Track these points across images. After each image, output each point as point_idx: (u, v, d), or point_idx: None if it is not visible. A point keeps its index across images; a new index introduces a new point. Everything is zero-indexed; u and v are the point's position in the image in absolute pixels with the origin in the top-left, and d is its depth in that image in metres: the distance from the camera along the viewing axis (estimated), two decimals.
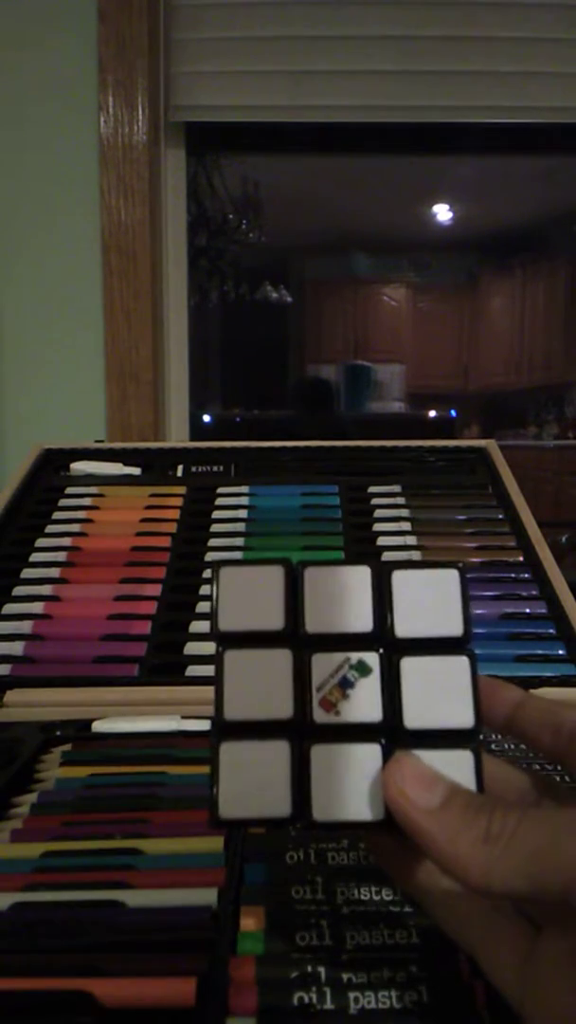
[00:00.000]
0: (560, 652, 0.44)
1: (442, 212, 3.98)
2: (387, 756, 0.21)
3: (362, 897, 0.26)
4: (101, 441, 0.68)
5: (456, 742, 0.21)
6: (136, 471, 0.63)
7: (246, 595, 0.22)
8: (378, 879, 0.27)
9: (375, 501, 0.57)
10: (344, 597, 0.22)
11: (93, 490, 0.59)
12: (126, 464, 0.63)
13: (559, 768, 0.33)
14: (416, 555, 0.51)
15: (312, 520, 0.55)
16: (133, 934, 0.24)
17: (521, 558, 0.51)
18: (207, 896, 0.26)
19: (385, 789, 0.20)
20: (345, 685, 0.21)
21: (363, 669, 0.21)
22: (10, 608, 0.48)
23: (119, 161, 1.05)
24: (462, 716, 0.21)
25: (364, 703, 0.21)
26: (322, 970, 0.23)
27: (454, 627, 0.21)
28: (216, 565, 0.22)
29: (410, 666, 0.21)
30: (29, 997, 0.22)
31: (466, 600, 0.22)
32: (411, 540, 0.52)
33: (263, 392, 3.75)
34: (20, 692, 0.42)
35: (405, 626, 0.21)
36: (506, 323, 4.38)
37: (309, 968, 0.23)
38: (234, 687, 0.21)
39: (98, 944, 0.24)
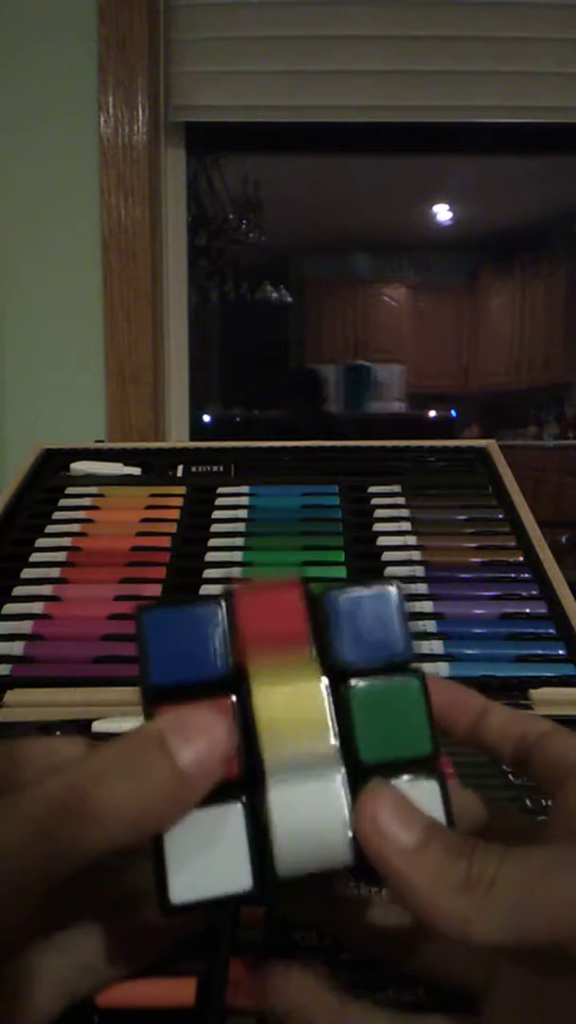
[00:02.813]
0: (560, 652, 0.44)
1: (442, 212, 3.98)
2: (350, 787, 0.19)
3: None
4: (101, 441, 0.68)
5: (417, 771, 0.19)
6: (136, 471, 0.63)
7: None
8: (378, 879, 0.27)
9: (375, 501, 0.57)
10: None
11: (93, 490, 0.59)
12: (126, 464, 0.63)
13: (522, 780, 0.33)
14: (416, 555, 0.51)
15: (312, 520, 0.55)
16: None
17: (521, 558, 0.51)
18: None
19: (360, 823, 0.18)
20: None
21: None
22: (10, 608, 0.48)
23: (119, 161, 1.05)
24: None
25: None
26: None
27: (398, 648, 0.20)
28: (138, 609, 0.20)
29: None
30: None
31: (405, 618, 0.20)
32: (411, 540, 0.52)
33: (263, 392, 3.75)
34: (20, 692, 0.42)
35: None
36: (506, 323, 4.38)
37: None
38: None
39: None
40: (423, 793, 0.19)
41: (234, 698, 0.19)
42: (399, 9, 1.07)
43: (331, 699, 0.19)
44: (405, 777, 0.19)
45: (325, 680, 0.20)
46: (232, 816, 0.19)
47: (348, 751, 0.19)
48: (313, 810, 0.19)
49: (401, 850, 0.18)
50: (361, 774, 0.19)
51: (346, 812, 0.19)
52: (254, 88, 1.08)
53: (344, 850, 0.18)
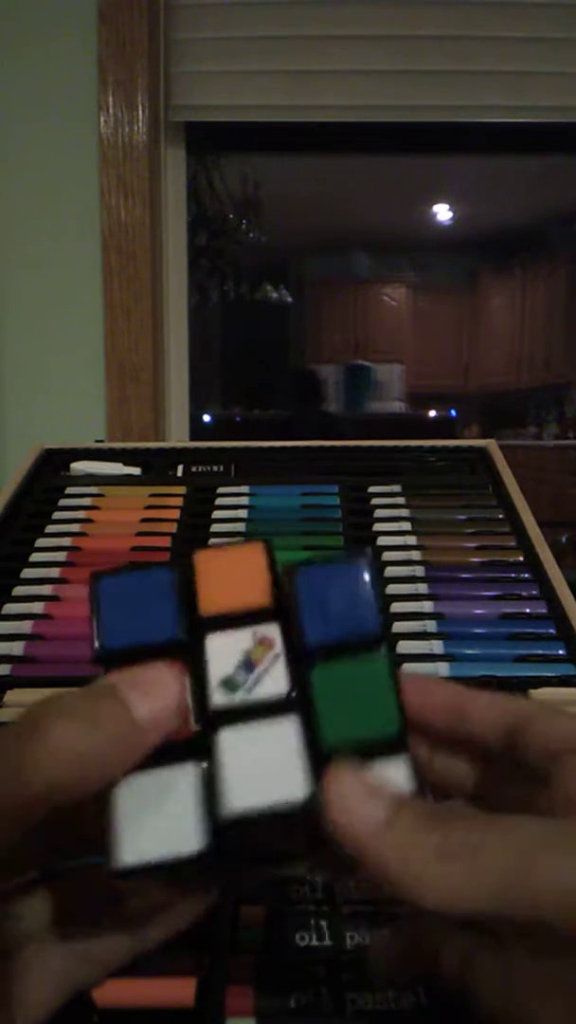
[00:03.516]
0: (560, 652, 0.44)
1: (442, 212, 3.98)
2: (316, 771, 0.18)
3: (362, 897, 0.26)
4: (101, 441, 0.68)
5: (386, 750, 0.19)
6: (136, 471, 0.63)
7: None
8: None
9: (375, 501, 0.57)
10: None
11: (93, 490, 0.59)
12: (126, 464, 0.63)
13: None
14: (416, 555, 0.51)
15: (312, 520, 0.55)
16: None
17: (521, 558, 0.51)
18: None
19: (326, 805, 0.18)
20: (248, 667, 0.19)
21: (266, 644, 0.20)
22: (10, 608, 0.48)
23: (119, 161, 1.05)
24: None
25: (270, 680, 0.19)
26: (321, 970, 0.23)
27: (367, 625, 0.20)
28: (92, 576, 0.20)
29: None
30: None
31: (377, 594, 0.20)
32: (411, 540, 0.52)
33: (263, 392, 3.75)
34: (20, 692, 0.42)
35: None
36: (506, 323, 4.38)
37: (308, 968, 0.23)
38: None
39: None
40: (393, 772, 0.19)
41: (185, 658, 0.19)
42: (399, 9, 1.07)
43: (285, 643, 0.20)
44: (374, 757, 0.19)
45: (278, 627, 0.20)
46: (183, 778, 0.18)
47: (314, 733, 0.19)
48: (264, 748, 0.18)
49: (370, 826, 0.17)
50: (328, 756, 0.19)
51: (298, 749, 0.18)
52: (254, 88, 1.08)
53: (299, 786, 0.18)
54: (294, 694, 0.19)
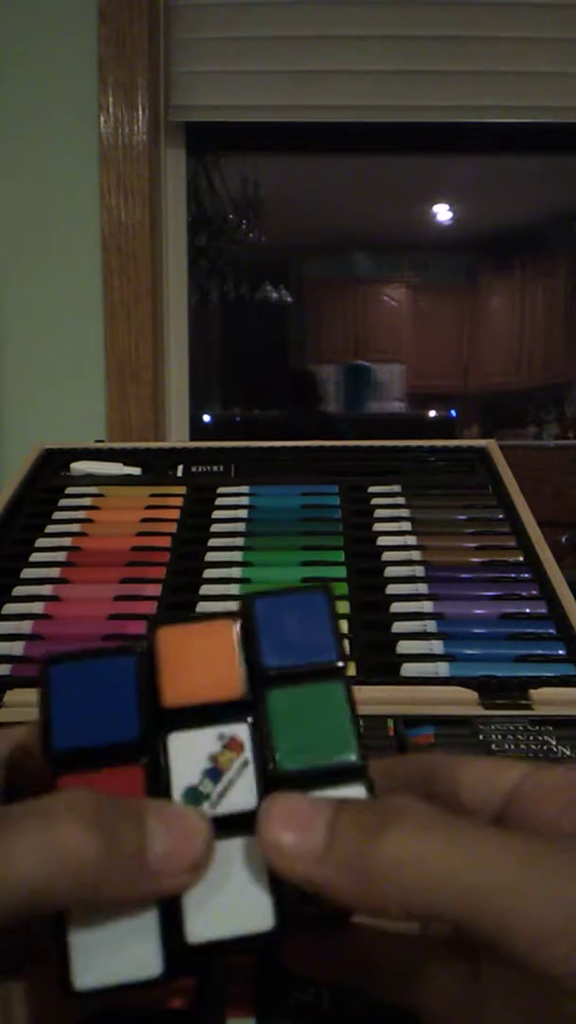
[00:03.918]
0: (560, 652, 0.44)
1: (442, 212, 3.98)
2: (257, 760, 0.18)
3: None
4: (101, 441, 0.68)
5: (341, 778, 0.18)
6: (136, 471, 0.63)
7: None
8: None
9: (375, 501, 0.57)
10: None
11: (93, 490, 0.59)
12: (126, 464, 0.63)
13: None
14: (416, 555, 0.51)
15: (312, 520, 0.55)
16: None
17: (521, 558, 0.51)
18: None
19: (261, 847, 0.16)
20: (214, 776, 0.18)
21: (233, 748, 0.18)
22: (10, 608, 0.48)
23: (119, 161, 1.05)
24: (341, 749, 0.18)
25: (237, 792, 0.18)
26: None
27: (326, 653, 0.19)
28: (43, 663, 0.19)
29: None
30: None
31: (334, 623, 0.19)
32: (411, 540, 0.52)
33: (263, 392, 3.75)
34: (20, 692, 0.42)
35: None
36: (506, 323, 4.38)
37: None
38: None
39: None
40: (350, 795, 0.18)
41: (145, 762, 0.18)
42: (399, 9, 1.07)
43: (255, 745, 0.18)
44: (330, 785, 0.18)
45: (247, 726, 0.18)
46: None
47: (265, 760, 0.18)
48: (228, 872, 0.17)
49: (309, 857, 0.16)
50: (279, 784, 0.18)
51: (264, 873, 0.17)
52: (254, 88, 1.08)
53: (266, 915, 0.17)
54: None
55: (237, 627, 0.19)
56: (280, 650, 0.19)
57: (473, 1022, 0.18)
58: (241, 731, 0.18)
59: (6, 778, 0.20)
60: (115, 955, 0.16)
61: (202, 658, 0.19)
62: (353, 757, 0.18)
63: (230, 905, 0.17)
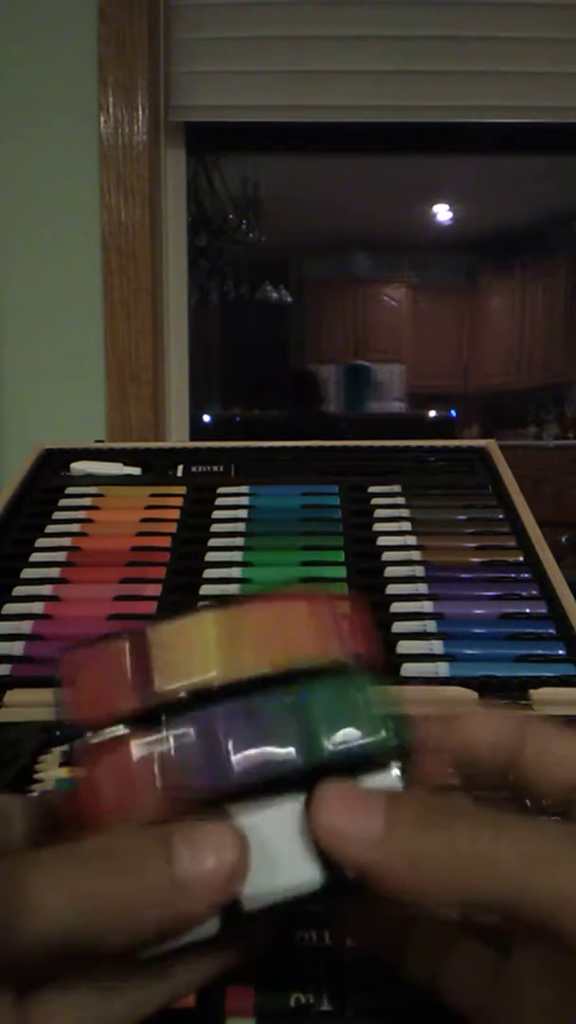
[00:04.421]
0: (560, 652, 0.44)
1: (442, 212, 3.98)
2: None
3: None
4: (101, 441, 0.68)
5: (376, 766, 0.18)
6: (136, 471, 0.63)
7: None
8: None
9: (375, 501, 0.57)
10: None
11: (93, 490, 0.59)
12: (126, 464, 0.63)
13: None
14: (416, 555, 0.51)
15: (312, 520, 0.55)
16: None
17: (521, 558, 0.51)
18: None
19: (316, 834, 0.17)
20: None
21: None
22: (10, 608, 0.48)
23: (119, 161, 1.05)
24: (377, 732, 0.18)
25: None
26: (321, 970, 0.23)
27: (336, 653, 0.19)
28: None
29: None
30: None
31: (339, 626, 0.19)
32: (411, 540, 0.52)
33: (263, 392, 3.75)
34: (20, 692, 0.42)
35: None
36: (506, 323, 4.38)
37: (308, 968, 0.23)
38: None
39: None
40: (388, 780, 0.18)
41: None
42: (399, 9, 1.07)
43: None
44: (368, 771, 0.18)
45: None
46: None
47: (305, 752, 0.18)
48: (273, 832, 0.17)
49: (368, 842, 0.16)
50: (319, 773, 0.18)
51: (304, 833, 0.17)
52: (254, 88, 1.08)
53: (312, 871, 0.17)
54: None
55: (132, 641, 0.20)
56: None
57: (501, 1003, 0.18)
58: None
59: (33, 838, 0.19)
60: None
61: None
62: (392, 741, 0.18)
63: (275, 870, 0.17)
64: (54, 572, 0.51)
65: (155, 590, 0.49)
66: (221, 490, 0.59)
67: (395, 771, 0.19)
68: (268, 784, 0.18)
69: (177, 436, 1.18)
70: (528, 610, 0.47)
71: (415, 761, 0.19)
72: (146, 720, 0.18)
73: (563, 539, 1.71)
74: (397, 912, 0.20)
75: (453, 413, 3.73)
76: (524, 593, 0.48)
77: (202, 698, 0.18)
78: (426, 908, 0.17)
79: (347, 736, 0.18)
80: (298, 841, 0.17)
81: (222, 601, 0.20)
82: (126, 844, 0.16)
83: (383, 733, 0.19)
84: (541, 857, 0.16)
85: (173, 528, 0.55)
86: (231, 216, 2.74)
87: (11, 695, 0.41)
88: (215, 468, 0.62)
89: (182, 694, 0.18)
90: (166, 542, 0.53)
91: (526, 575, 0.49)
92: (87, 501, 0.58)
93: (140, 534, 0.54)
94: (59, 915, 0.15)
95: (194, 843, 0.16)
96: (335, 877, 0.17)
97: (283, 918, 0.22)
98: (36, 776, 0.35)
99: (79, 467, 0.62)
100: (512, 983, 0.18)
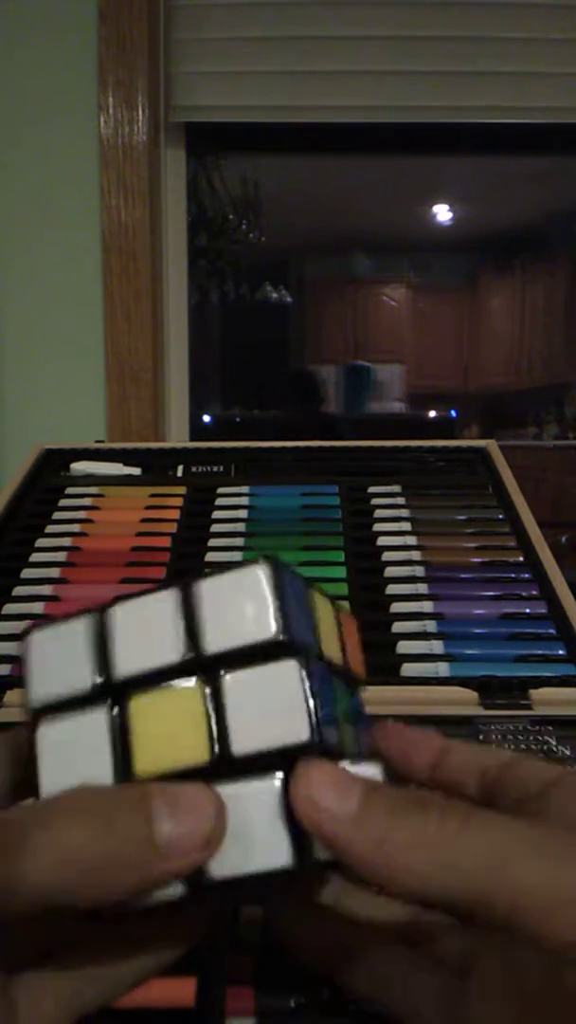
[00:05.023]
0: (560, 652, 0.44)
1: (442, 212, 3.99)
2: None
3: None
4: (101, 441, 0.68)
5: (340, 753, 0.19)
6: (136, 471, 0.63)
7: (55, 658, 0.20)
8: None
9: (375, 501, 0.57)
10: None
11: (93, 490, 0.59)
12: (126, 464, 0.63)
13: None
14: (416, 555, 0.51)
15: (312, 520, 0.55)
16: None
17: (521, 558, 0.51)
18: None
19: (294, 803, 0.17)
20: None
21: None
22: (10, 608, 0.48)
23: (119, 161, 1.05)
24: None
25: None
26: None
27: (266, 630, 0.18)
28: (23, 632, 0.20)
29: (233, 683, 0.18)
30: None
31: (283, 597, 0.18)
32: (411, 540, 0.52)
33: (263, 392, 3.75)
34: (20, 692, 0.42)
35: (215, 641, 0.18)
36: (506, 323, 4.39)
37: (308, 968, 0.23)
38: (50, 774, 0.18)
39: None
40: (367, 768, 0.19)
41: (110, 712, 0.19)
42: (399, 9, 1.07)
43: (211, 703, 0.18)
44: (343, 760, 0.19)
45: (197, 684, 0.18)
46: None
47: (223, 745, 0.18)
48: (243, 813, 0.18)
49: (342, 817, 0.17)
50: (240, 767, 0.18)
51: (281, 816, 0.18)
52: (254, 88, 1.08)
53: (284, 852, 0.17)
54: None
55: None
56: (220, 631, 0.19)
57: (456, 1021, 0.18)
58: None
59: (14, 777, 0.20)
60: None
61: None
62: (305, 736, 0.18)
63: (248, 844, 0.17)
64: (54, 572, 0.51)
65: None
66: (221, 490, 0.59)
67: (379, 766, 0.19)
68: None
69: (177, 436, 1.18)
70: (528, 610, 0.47)
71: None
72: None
73: (563, 539, 1.71)
74: (344, 927, 0.20)
75: (453, 413, 3.73)
76: (524, 593, 0.48)
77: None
78: (392, 892, 0.17)
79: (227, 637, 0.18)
80: (272, 817, 0.18)
81: (185, 583, 0.20)
82: (104, 802, 0.17)
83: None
84: (506, 850, 0.16)
85: (173, 528, 0.55)
86: (231, 216, 2.74)
87: (11, 695, 0.41)
88: (215, 468, 0.62)
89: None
90: (166, 542, 0.53)
91: (526, 575, 0.49)
92: (87, 501, 0.58)
93: (140, 534, 0.54)
94: (42, 874, 0.16)
95: (174, 803, 0.17)
96: (304, 856, 0.17)
97: (239, 895, 0.23)
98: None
99: (79, 467, 0.62)
100: (469, 1003, 0.18)
